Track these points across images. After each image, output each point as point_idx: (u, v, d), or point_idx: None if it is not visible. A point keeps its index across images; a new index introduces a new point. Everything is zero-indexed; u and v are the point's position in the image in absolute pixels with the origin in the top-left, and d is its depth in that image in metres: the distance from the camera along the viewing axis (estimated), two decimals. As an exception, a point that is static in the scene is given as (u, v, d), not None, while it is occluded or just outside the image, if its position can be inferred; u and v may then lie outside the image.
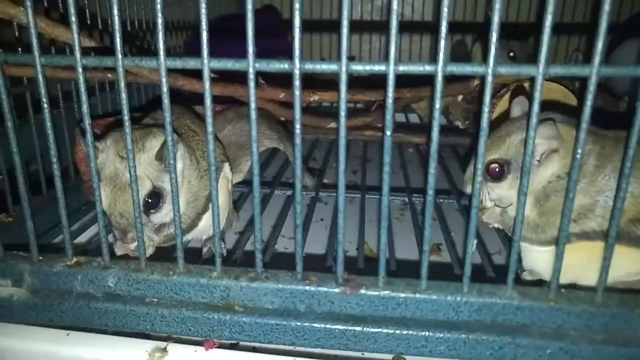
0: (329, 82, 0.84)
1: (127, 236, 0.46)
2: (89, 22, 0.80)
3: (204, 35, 0.35)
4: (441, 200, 0.78)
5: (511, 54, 1.28)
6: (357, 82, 1.03)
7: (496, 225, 0.52)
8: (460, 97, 1.00)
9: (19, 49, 0.64)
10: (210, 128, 0.37)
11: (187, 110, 0.59)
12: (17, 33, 0.62)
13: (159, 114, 0.56)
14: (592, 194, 0.44)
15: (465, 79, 0.88)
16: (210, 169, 0.38)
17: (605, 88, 1.03)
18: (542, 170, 0.46)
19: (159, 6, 0.35)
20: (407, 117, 1.25)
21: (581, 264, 0.45)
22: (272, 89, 0.74)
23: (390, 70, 0.34)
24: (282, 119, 0.88)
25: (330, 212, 0.80)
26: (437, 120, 0.34)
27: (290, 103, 0.86)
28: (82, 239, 0.67)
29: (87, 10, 0.81)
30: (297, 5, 0.34)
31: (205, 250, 0.57)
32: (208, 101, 0.37)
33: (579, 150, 0.36)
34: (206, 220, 0.54)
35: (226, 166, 0.57)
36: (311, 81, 1.07)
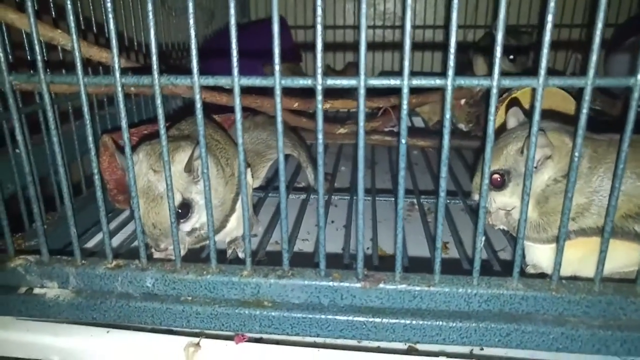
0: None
1: (160, 245, 0.50)
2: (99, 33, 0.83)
3: (234, 57, 0.39)
4: (448, 201, 0.81)
5: (511, 56, 1.32)
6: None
7: (501, 227, 0.55)
8: (463, 101, 1.04)
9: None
10: (240, 140, 0.41)
11: (208, 119, 0.63)
12: (60, 55, 0.66)
13: (184, 125, 0.60)
14: (587, 194, 0.48)
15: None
16: (241, 177, 0.42)
17: (604, 90, 1.06)
18: (539, 175, 0.50)
19: (192, 32, 0.39)
20: (412, 120, 1.29)
21: (580, 258, 0.49)
22: (287, 98, 0.78)
23: (405, 84, 0.38)
24: (293, 124, 0.93)
25: (341, 215, 0.83)
26: (448, 129, 0.38)
27: (301, 111, 0.90)
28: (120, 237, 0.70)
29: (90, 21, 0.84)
30: (319, 28, 0.37)
31: (229, 252, 0.60)
32: (238, 115, 0.41)
33: (577, 154, 0.39)
34: (233, 221, 0.58)
35: (248, 172, 0.60)
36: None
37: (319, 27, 0.37)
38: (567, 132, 0.50)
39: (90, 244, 0.68)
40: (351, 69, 1.42)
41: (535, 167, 0.50)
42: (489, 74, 0.38)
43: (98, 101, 0.82)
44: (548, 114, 0.53)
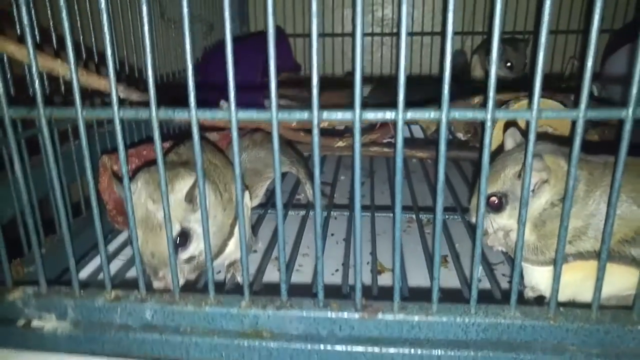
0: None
1: (157, 274, 0.50)
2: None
3: (232, 94, 0.39)
4: (446, 216, 0.81)
5: (508, 63, 1.32)
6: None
7: (500, 248, 0.56)
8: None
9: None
10: (238, 171, 0.41)
11: (206, 142, 0.63)
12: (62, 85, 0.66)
13: (182, 149, 0.60)
14: (583, 218, 0.48)
15: (466, 97, 0.92)
16: (240, 220, 0.42)
17: (603, 99, 1.06)
18: (536, 199, 0.50)
19: (190, 67, 0.39)
20: (410, 129, 1.29)
21: (578, 282, 0.49)
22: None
23: (400, 118, 0.38)
24: (290, 139, 0.93)
25: (340, 227, 0.84)
26: (443, 166, 0.38)
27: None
28: (116, 264, 0.69)
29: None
30: (315, 66, 0.37)
31: (228, 275, 0.61)
32: (236, 147, 0.41)
33: (571, 183, 0.39)
34: (231, 245, 0.58)
35: (246, 195, 0.61)
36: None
37: (315, 66, 0.37)
38: (563, 154, 0.50)
39: (91, 266, 0.68)
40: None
41: (532, 191, 0.50)
42: (485, 76, 0.38)
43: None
44: (543, 135, 0.53)
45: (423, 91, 0.82)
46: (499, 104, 0.92)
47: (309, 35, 1.42)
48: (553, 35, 1.52)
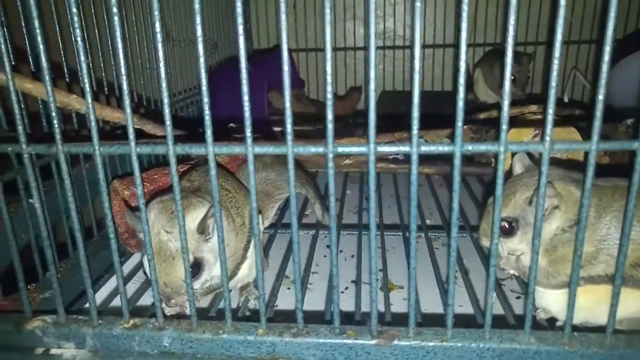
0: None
1: (170, 302, 0.51)
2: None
3: (248, 128, 0.40)
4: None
5: (511, 77, 1.33)
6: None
7: (512, 272, 0.56)
8: (467, 126, 1.05)
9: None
10: (254, 204, 0.42)
11: (219, 168, 0.64)
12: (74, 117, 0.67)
13: (194, 175, 0.60)
14: (594, 242, 0.48)
15: (471, 111, 0.93)
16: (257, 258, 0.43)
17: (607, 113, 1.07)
18: (547, 225, 0.50)
19: (206, 106, 0.40)
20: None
21: (590, 306, 0.49)
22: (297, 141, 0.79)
23: (414, 151, 0.39)
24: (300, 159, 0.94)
25: (349, 242, 0.84)
26: (457, 198, 0.39)
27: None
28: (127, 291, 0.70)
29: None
30: (329, 103, 0.38)
31: (241, 299, 0.61)
32: (252, 180, 0.42)
33: (584, 214, 0.40)
34: (244, 269, 0.58)
35: (259, 219, 0.61)
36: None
37: (330, 103, 0.38)
38: (572, 180, 0.51)
39: (104, 290, 0.69)
40: (354, 94, 1.43)
41: (544, 216, 0.50)
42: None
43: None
44: (553, 161, 0.54)
45: (427, 107, 0.84)
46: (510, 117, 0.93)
47: (312, 50, 1.44)
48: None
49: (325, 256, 0.82)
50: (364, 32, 1.65)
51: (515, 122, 0.86)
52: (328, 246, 0.80)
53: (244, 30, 0.38)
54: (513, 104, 0.99)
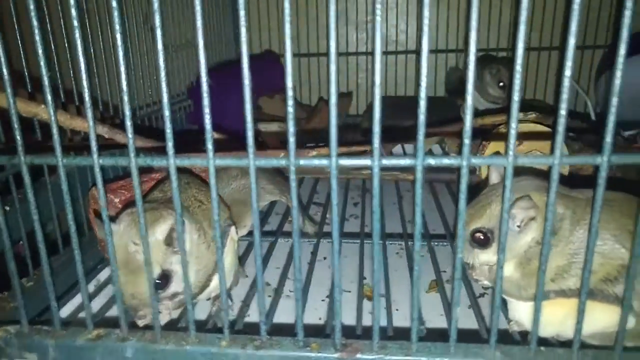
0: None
1: (137, 314, 0.50)
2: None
3: (209, 142, 0.39)
4: (435, 244, 0.82)
5: (501, 83, 1.33)
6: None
7: (486, 283, 0.55)
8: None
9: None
10: (216, 216, 0.42)
11: (193, 177, 0.63)
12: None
13: (167, 185, 0.60)
14: (567, 256, 0.48)
15: (459, 120, 0.93)
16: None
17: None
18: (523, 236, 0.49)
19: (167, 119, 0.39)
20: (404, 148, 1.29)
21: (561, 319, 0.49)
22: (272, 150, 0.79)
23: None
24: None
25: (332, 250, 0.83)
26: (419, 212, 0.38)
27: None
28: (100, 300, 0.69)
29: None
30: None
31: (214, 309, 0.61)
32: (214, 192, 0.41)
33: (548, 228, 0.39)
34: (216, 280, 0.58)
35: (232, 230, 0.61)
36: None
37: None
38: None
39: (76, 301, 0.69)
40: (323, 107, 1.39)
41: (519, 226, 0.50)
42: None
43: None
44: (527, 170, 0.53)
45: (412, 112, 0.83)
46: (491, 127, 0.93)
47: (304, 55, 1.43)
48: (536, 52, 1.54)
49: (308, 263, 0.81)
50: (356, 37, 1.65)
51: (499, 129, 0.86)
52: (312, 253, 0.80)
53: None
54: (499, 111, 0.99)
